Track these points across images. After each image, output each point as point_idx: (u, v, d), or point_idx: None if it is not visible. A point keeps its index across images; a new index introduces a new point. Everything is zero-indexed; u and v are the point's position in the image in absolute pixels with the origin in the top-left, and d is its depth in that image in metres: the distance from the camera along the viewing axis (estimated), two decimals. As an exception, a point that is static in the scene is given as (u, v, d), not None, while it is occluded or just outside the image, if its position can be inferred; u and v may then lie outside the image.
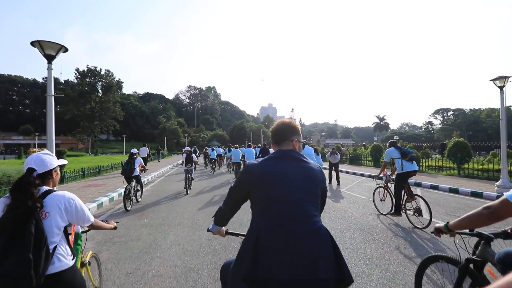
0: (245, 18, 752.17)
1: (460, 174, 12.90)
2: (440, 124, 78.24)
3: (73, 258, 1.77)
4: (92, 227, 2.03)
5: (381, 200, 6.43)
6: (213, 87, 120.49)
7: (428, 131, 78.75)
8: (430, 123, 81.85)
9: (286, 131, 1.64)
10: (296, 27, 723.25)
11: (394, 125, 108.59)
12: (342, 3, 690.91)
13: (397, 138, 8.25)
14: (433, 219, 5.17)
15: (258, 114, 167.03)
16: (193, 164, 10.23)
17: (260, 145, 18.25)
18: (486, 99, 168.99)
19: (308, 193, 1.45)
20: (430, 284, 3.07)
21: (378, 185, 6.73)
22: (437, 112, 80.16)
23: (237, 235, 1.97)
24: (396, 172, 5.80)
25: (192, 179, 10.23)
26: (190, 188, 9.98)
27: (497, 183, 8.88)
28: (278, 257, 1.28)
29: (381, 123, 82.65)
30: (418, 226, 5.25)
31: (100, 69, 57.38)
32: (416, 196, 5.55)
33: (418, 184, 10.54)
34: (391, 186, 6.06)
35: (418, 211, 5.35)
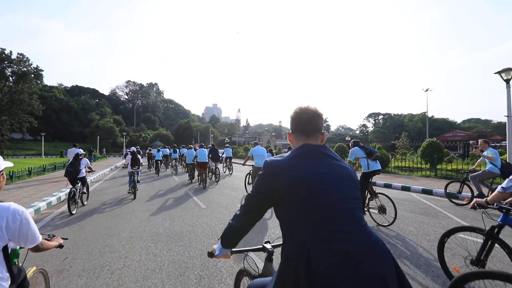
0: (191, 15, 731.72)
1: (436, 175, 11.99)
2: (372, 126, 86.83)
3: (12, 282, 1.54)
4: (37, 249, 1.68)
5: None
6: (155, 84, 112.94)
7: (363, 133, 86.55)
8: (364, 125, 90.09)
9: (317, 121, 1.33)
10: (242, 27, 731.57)
11: (332, 127, 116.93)
12: (287, 6, 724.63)
13: (358, 139, 8.32)
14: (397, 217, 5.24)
15: (203, 114, 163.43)
16: (139, 166, 9.29)
17: (201, 145, 16.75)
18: (409, 105, 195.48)
19: (353, 198, 1.22)
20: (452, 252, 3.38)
21: None
22: (370, 115, 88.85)
23: (243, 251, 1.70)
24: (361, 172, 5.76)
25: (138, 182, 9.34)
26: (136, 192, 8.77)
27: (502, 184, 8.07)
28: (342, 285, 1.02)
29: (324, 125, 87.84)
30: (383, 224, 5.25)
31: (10, 52, 46.98)
32: (379, 194, 5.57)
33: (406, 188, 9.31)
34: None
35: (382, 209, 5.41)
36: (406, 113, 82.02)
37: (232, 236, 1.39)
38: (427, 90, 42.30)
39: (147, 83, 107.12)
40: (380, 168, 5.83)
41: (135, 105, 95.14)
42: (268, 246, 1.65)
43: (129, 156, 9.47)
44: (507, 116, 8.88)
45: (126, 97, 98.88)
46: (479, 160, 7.18)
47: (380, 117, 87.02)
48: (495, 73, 8.88)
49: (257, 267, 3.02)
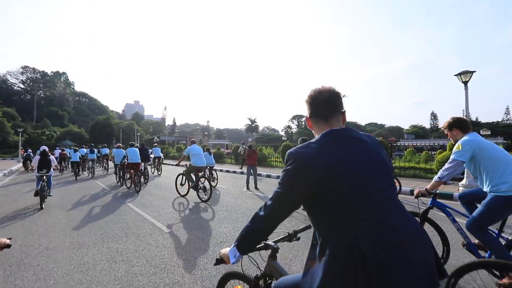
0: (109, 6, 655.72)
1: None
2: (296, 128, 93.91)
3: None
4: None
5: None
6: (64, 73, 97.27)
7: (288, 134, 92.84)
8: (289, 126, 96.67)
9: (335, 101, 1.27)
10: (164, 23, 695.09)
11: (259, 128, 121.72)
12: (214, 7, 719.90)
13: (306, 138, 8.88)
14: None
15: (123, 111, 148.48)
16: (51, 169, 7.97)
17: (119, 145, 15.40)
18: None
19: (392, 184, 1.19)
20: None
21: None
22: (294, 117, 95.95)
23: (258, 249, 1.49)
24: None
25: (48, 191, 7.84)
26: (46, 200, 7.38)
27: (462, 182, 8.26)
28: (401, 277, 0.98)
29: (253, 125, 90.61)
30: None
31: None
32: None
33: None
34: None
35: None
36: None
37: (253, 239, 1.29)
38: (344, 96, 48.06)
39: (52, 72, 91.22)
40: None
41: (35, 96, 79.59)
42: (270, 242, 1.51)
43: (37, 157, 7.92)
44: (465, 116, 9.72)
45: (23, 86, 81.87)
46: None
47: (303, 119, 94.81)
48: (455, 75, 9.56)
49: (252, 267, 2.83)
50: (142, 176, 10.76)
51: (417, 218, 3.23)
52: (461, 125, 2.89)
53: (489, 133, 29.48)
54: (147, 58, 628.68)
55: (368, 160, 1.15)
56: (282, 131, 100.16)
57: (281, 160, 20.01)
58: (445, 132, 3.04)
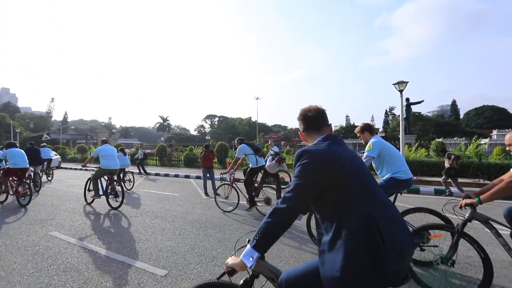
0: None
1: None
2: (209, 127, 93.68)
3: None
4: None
5: (226, 198, 6.58)
6: None
7: (201, 133, 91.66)
8: (202, 126, 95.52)
9: (324, 116, 1.58)
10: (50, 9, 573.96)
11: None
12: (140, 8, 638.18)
13: (243, 137, 9.03)
14: None
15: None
16: None
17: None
18: (241, 108, 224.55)
19: (369, 173, 1.45)
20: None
21: (223, 183, 6.64)
22: (207, 117, 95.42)
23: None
24: (250, 167, 6.23)
25: None
26: None
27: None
28: (401, 240, 1.24)
29: (164, 123, 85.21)
30: (265, 214, 6.10)
31: None
32: (264, 187, 6.27)
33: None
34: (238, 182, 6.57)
35: (268, 201, 5.93)
36: (236, 117, 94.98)
37: (274, 235, 1.31)
38: (257, 99, 51.01)
39: None
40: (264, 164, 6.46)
41: None
42: None
43: None
44: (400, 118, 11.80)
45: None
46: None
47: (216, 119, 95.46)
48: (393, 84, 11.47)
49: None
50: (33, 184, 8.68)
51: None
52: (370, 128, 3.75)
53: (384, 135, 37.54)
54: (18, 39, 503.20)
55: (354, 157, 1.42)
56: (194, 130, 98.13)
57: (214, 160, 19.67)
58: (358, 134, 3.80)
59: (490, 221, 2.58)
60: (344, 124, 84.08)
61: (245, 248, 1.33)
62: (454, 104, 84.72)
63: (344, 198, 1.29)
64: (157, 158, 20.87)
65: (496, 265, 2.97)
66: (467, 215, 2.61)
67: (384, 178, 3.46)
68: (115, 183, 6.80)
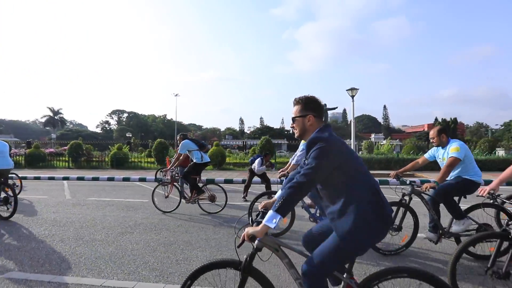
0: None
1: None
2: (116, 124, 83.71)
3: None
4: None
5: (165, 197, 6.15)
6: None
7: (105, 130, 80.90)
8: (107, 122, 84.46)
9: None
10: None
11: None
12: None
13: (186, 133, 8.48)
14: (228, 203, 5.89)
15: None
16: None
17: None
18: (154, 105, 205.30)
19: None
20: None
21: (162, 182, 6.25)
22: (113, 112, 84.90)
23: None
24: (194, 162, 5.93)
25: None
26: None
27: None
28: (389, 210, 1.62)
29: (56, 117, 70.61)
30: (212, 212, 5.70)
31: None
32: (208, 185, 5.99)
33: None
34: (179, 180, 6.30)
35: (212, 198, 5.80)
36: (149, 114, 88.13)
37: (294, 202, 1.55)
38: (176, 95, 48.79)
39: None
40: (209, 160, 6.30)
41: None
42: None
43: None
44: (352, 120, 13.66)
45: None
46: None
47: (125, 114, 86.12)
48: (346, 90, 13.52)
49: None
50: None
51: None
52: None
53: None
54: None
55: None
56: (97, 127, 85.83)
57: (152, 160, 17.91)
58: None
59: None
60: (258, 125, 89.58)
61: (268, 214, 1.53)
62: (344, 112, 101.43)
63: (352, 175, 1.58)
64: (70, 159, 17.45)
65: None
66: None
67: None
68: (4, 186, 5.44)
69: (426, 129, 73.52)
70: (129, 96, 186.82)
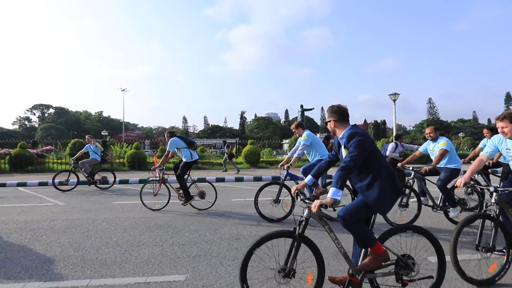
0: None
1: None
2: (37, 121, 72.72)
3: None
4: None
5: (154, 195, 5.81)
6: None
7: (26, 128, 69.62)
8: (27, 119, 72.70)
9: (348, 111, 2.41)
10: None
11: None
12: None
13: (173, 130, 7.76)
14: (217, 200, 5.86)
15: None
16: None
17: None
18: (83, 100, 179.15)
19: None
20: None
21: (150, 179, 6.00)
22: (36, 107, 73.49)
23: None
24: (183, 161, 5.77)
25: None
26: None
27: None
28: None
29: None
30: (204, 208, 5.63)
31: None
32: (197, 182, 5.89)
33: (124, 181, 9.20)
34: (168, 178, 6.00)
35: (202, 195, 5.72)
36: (81, 110, 78.94)
37: (345, 179, 2.16)
38: (123, 90, 45.11)
39: None
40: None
41: None
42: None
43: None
44: (396, 124, 14.26)
45: None
46: None
47: (51, 110, 75.35)
48: (389, 95, 14.54)
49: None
50: None
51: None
52: (302, 125, 5.14)
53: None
54: None
55: None
56: (13, 124, 73.10)
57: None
58: (293, 130, 5.12)
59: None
60: (203, 125, 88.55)
61: (331, 190, 2.10)
62: (287, 112, 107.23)
63: (376, 159, 2.20)
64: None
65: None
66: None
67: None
68: None
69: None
70: (54, 90, 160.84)
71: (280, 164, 5.19)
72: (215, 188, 5.94)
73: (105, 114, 77.85)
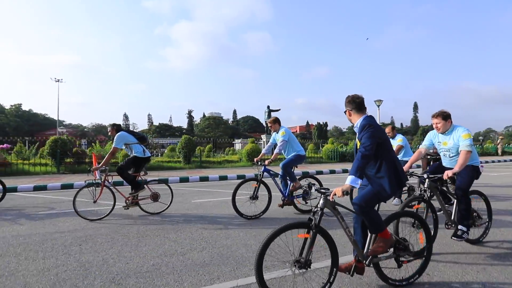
0: None
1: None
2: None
3: None
4: None
5: (94, 202, 4.90)
6: None
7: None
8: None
9: (364, 101, 2.49)
10: None
11: None
12: None
13: (119, 124, 6.05)
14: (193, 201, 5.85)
15: None
16: None
17: None
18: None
19: None
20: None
21: (88, 182, 4.91)
22: None
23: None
24: (133, 156, 5.11)
25: None
26: None
27: None
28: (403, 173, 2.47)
29: None
30: (155, 212, 5.17)
31: None
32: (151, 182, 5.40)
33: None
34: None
35: (155, 196, 5.17)
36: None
37: (364, 168, 2.23)
38: (58, 81, 39.15)
39: None
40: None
41: None
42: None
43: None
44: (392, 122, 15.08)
45: None
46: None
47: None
48: (374, 101, 15.36)
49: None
50: None
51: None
52: (279, 121, 5.19)
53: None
54: None
55: None
56: None
57: (47, 161, 12.98)
58: (270, 125, 5.18)
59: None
60: (146, 123, 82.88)
61: (349, 177, 2.13)
62: (235, 112, 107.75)
63: (386, 149, 2.34)
64: None
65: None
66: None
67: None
68: None
69: (298, 130, 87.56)
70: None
71: (256, 159, 5.20)
72: (171, 189, 5.47)
73: (25, 108, 66.24)
